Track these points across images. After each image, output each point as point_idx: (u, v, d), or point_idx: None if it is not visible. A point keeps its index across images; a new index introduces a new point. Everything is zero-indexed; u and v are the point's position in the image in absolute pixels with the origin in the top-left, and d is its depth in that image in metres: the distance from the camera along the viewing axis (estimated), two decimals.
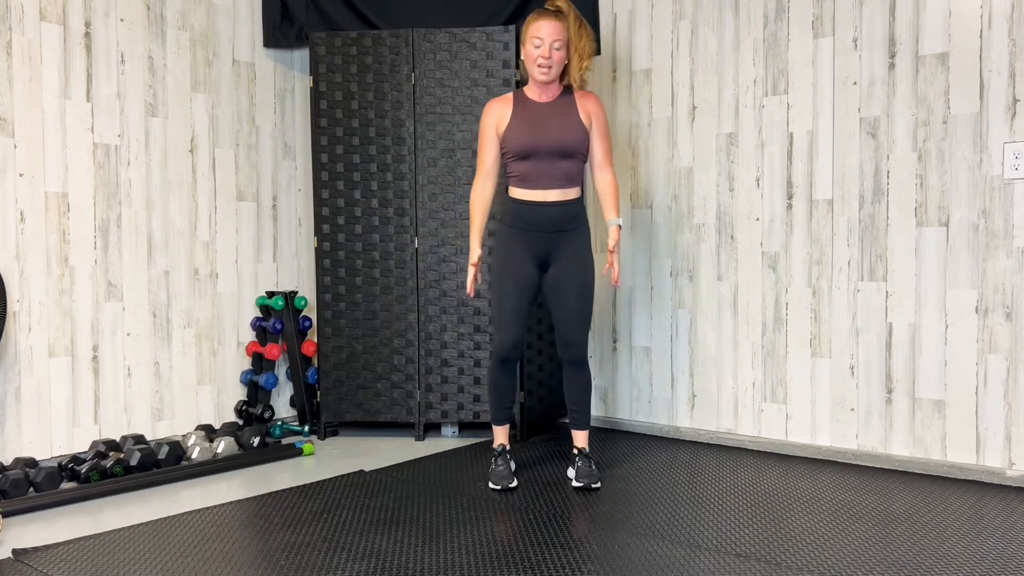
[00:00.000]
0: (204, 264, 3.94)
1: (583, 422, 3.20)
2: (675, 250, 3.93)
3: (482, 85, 3.80)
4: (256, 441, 3.66)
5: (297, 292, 4.22)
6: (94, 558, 2.42)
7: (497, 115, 3.08)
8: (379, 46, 3.86)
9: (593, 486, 3.06)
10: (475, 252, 3.08)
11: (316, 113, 3.91)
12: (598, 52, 4.15)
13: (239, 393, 4.11)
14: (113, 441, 3.45)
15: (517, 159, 3.04)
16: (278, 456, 3.61)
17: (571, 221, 3.08)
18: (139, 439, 3.50)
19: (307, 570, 2.32)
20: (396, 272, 3.89)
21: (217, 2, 3.98)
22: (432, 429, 4.07)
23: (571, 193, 3.08)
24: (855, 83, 3.40)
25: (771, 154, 3.63)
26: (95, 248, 3.54)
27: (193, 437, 3.58)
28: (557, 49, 3.01)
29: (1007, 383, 3.09)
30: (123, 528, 2.69)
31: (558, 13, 3.05)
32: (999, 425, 3.11)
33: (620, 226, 3.03)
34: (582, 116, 3.08)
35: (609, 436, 3.97)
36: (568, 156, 3.05)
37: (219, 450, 3.55)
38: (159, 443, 3.46)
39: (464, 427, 4.13)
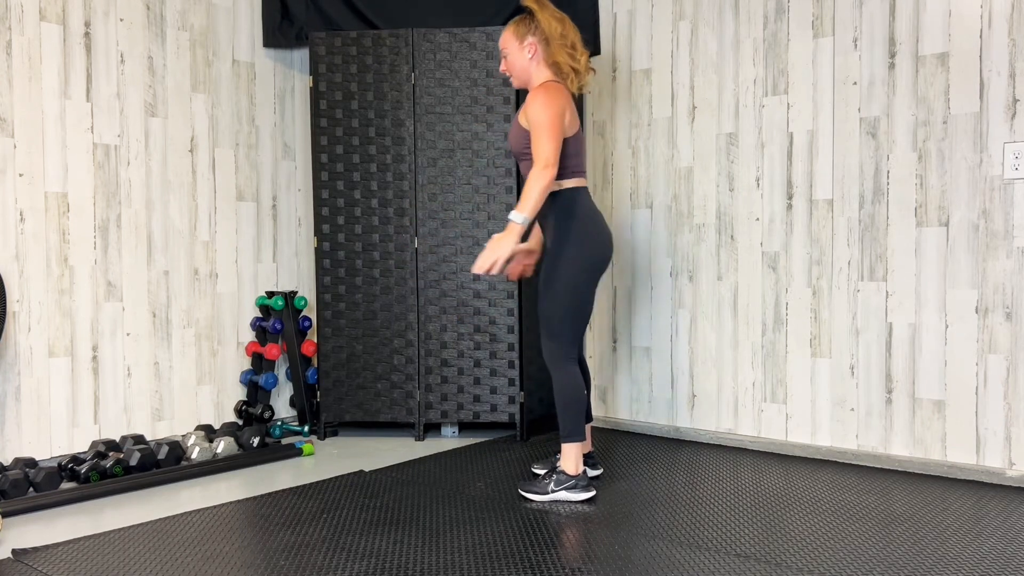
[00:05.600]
0: (204, 264, 3.94)
1: (560, 429, 2.99)
2: (675, 250, 3.93)
3: (482, 85, 3.80)
4: (256, 441, 3.66)
5: (297, 292, 4.22)
6: (94, 558, 2.42)
7: None
8: (379, 46, 3.86)
9: (523, 492, 2.98)
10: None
11: (316, 113, 3.91)
12: (597, 51, 4.16)
13: (239, 393, 4.11)
14: (113, 441, 3.45)
15: None
16: (278, 456, 3.61)
17: (544, 219, 3.01)
18: (139, 439, 3.50)
19: (307, 570, 2.32)
20: (396, 272, 3.89)
21: (217, 2, 3.98)
22: (432, 429, 4.07)
23: None
24: (855, 83, 3.40)
25: (771, 154, 3.62)
26: (95, 248, 3.54)
27: (193, 437, 3.58)
28: (505, 57, 3.05)
29: (1007, 383, 3.09)
30: (123, 528, 2.69)
31: (513, 20, 3.06)
32: (999, 425, 3.11)
33: (513, 222, 2.80)
34: (522, 115, 2.97)
35: (609, 436, 3.97)
36: (518, 159, 3.04)
37: (219, 450, 3.55)
38: (159, 443, 3.45)
39: (464, 427, 4.13)
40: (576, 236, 2.93)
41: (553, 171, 2.83)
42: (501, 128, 3.80)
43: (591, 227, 2.96)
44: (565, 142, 2.92)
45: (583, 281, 2.96)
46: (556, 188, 2.96)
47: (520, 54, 3.00)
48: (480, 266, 2.80)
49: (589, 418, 3.25)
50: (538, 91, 2.92)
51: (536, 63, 3.00)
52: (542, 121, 2.85)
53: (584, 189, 3.00)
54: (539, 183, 2.81)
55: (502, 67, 3.08)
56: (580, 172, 3.00)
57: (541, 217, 3.02)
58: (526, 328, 3.85)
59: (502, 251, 2.79)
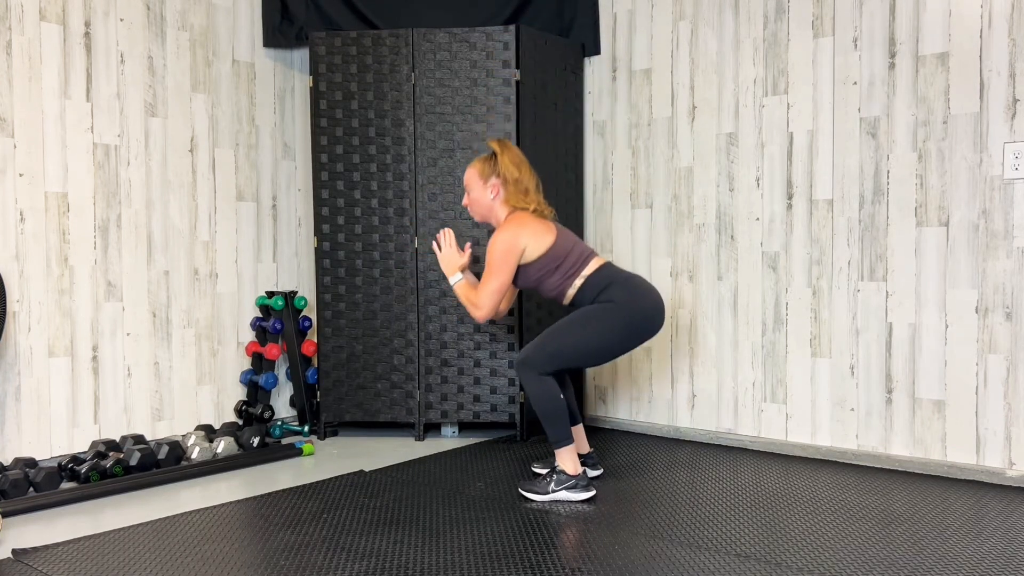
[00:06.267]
0: (204, 264, 3.94)
1: (549, 438, 3.00)
2: (675, 250, 3.93)
3: (482, 85, 3.80)
4: (256, 441, 3.66)
5: (297, 292, 4.22)
6: (94, 558, 2.42)
7: None
8: (379, 46, 3.86)
9: (523, 492, 2.98)
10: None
11: (316, 113, 3.91)
12: (597, 51, 4.16)
13: (239, 393, 4.11)
14: (113, 441, 3.45)
15: None
16: (278, 456, 3.61)
17: (593, 302, 3.03)
18: (139, 439, 3.50)
19: (307, 570, 2.32)
20: (396, 272, 3.89)
21: (217, 2, 3.98)
22: (432, 429, 4.06)
23: (568, 299, 3.08)
24: (855, 83, 3.40)
25: (771, 154, 3.62)
26: (95, 248, 3.54)
27: (193, 437, 3.58)
28: (468, 193, 3.18)
29: (1007, 383, 3.09)
30: (123, 528, 2.69)
31: (478, 158, 3.21)
32: (999, 425, 3.11)
33: (451, 277, 3.21)
34: None
35: (609, 436, 3.97)
36: (536, 289, 3.13)
37: (219, 450, 3.55)
38: (159, 443, 3.45)
39: (464, 427, 4.13)
40: (625, 297, 2.98)
41: (484, 316, 3.08)
42: (501, 128, 3.79)
43: (638, 292, 3.01)
44: (547, 254, 3.01)
45: (617, 334, 2.98)
46: (581, 281, 3.03)
47: (483, 193, 3.14)
48: (440, 246, 3.26)
49: (576, 420, 3.25)
50: (499, 231, 3.06)
51: (499, 202, 3.13)
52: (490, 263, 3.05)
53: (607, 264, 3.08)
54: (470, 309, 3.12)
55: (464, 201, 3.20)
56: (589, 257, 3.07)
57: (588, 302, 3.04)
58: (526, 328, 3.85)
59: (445, 265, 3.24)
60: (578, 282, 3.03)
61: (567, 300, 3.09)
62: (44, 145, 3.39)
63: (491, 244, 3.04)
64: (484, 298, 3.06)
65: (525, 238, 3.02)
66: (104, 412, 3.58)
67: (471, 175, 3.16)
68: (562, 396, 2.98)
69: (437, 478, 3.25)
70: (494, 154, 3.14)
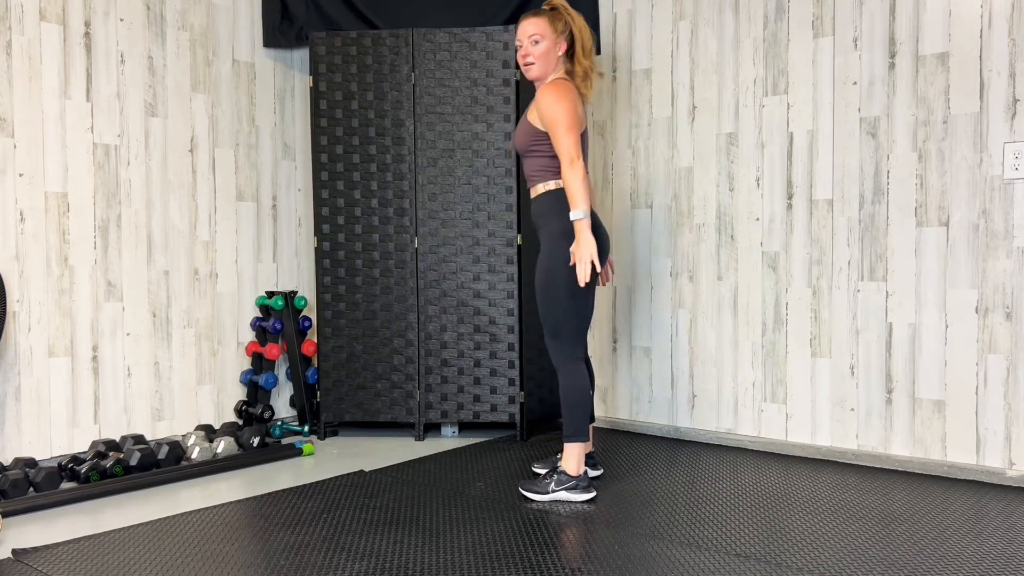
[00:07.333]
0: (204, 264, 3.94)
1: (564, 429, 3.00)
2: (675, 250, 3.93)
3: (482, 85, 3.80)
4: (256, 441, 3.66)
5: (297, 292, 4.22)
6: (94, 558, 2.42)
7: None
8: (379, 46, 3.86)
9: (523, 491, 2.97)
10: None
11: (316, 113, 3.91)
12: (598, 52, 4.16)
13: (239, 393, 4.11)
14: (113, 441, 3.45)
15: None
16: (278, 456, 3.61)
17: (539, 218, 3.01)
18: (139, 439, 3.50)
19: (307, 570, 2.32)
20: (396, 272, 3.89)
21: (217, 2, 3.98)
22: (432, 429, 4.07)
23: (534, 191, 3.03)
24: (855, 83, 3.40)
25: (771, 154, 3.63)
26: (95, 248, 3.54)
27: (193, 437, 3.58)
28: (536, 43, 2.98)
29: (1007, 383, 3.09)
30: (123, 528, 2.69)
31: (541, 11, 3.03)
32: (999, 425, 3.11)
33: (577, 220, 2.84)
34: (531, 112, 2.99)
35: (609, 436, 3.97)
36: (523, 155, 3.05)
37: (219, 450, 3.55)
38: (159, 443, 3.46)
39: (464, 427, 4.13)
40: (569, 234, 2.92)
41: (580, 163, 2.87)
42: (501, 128, 3.80)
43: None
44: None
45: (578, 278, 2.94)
46: (555, 186, 2.97)
47: (554, 47, 2.99)
48: (583, 276, 2.84)
49: (591, 418, 3.25)
50: (550, 89, 2.93)
51: (559, 61, 3.02)
52: (558, 117, 2.88)
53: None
54: (575, 179, 2.86)
55: (524, 52, 3.00)
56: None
57: (536, 217, 3.02)
58: (526, 328, 3.85)
59: (588, 250, 2.83)
60: (551, 185, 2.97)
61: (534, 192, 3.02)
62: (44, 145, 3.39)
63: (551, 102, 2.88)
64: (571, 150, 2.86)
65: (575, 98, 2.94)
66: (104, 412, 3.58)
67: (543, 26, 2.97)
68: (591, 392, 2.98)
69: (437, 478, 3.25)
70: (553, 8, 3.01)
